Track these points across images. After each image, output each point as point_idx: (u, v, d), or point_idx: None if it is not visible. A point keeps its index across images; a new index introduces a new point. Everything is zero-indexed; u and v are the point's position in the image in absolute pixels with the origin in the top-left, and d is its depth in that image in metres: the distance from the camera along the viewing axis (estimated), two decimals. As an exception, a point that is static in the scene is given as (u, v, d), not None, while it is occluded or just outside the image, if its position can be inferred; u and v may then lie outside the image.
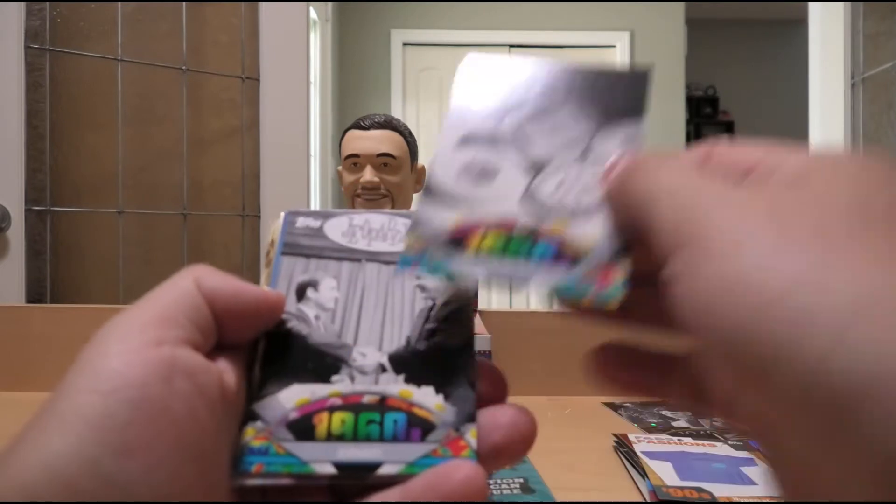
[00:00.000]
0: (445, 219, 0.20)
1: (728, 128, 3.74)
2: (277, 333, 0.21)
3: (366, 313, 0.22)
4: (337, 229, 0.24)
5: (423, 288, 0.22)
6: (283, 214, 0.25)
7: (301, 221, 0.24)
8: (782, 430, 0.13)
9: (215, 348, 0.20)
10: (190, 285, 0.19)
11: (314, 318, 0.22)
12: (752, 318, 0.13)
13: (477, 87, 0.23)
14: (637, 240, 0.19)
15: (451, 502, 0.17)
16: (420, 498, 0.17)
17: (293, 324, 0.21)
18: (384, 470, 0.18)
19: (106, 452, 0.15)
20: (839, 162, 0.16)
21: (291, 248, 0.24)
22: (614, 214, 0.20)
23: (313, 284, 0.23)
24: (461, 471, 0.17)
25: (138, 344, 0.17)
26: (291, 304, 0.22)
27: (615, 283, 0.18)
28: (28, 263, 0.97)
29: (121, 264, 1.04)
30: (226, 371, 0.19)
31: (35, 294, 0.99)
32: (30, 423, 0.16)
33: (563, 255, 0.19)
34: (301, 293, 0.22)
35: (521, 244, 0.19)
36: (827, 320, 0.12)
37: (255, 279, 1.11)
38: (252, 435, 0.19)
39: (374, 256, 0.23)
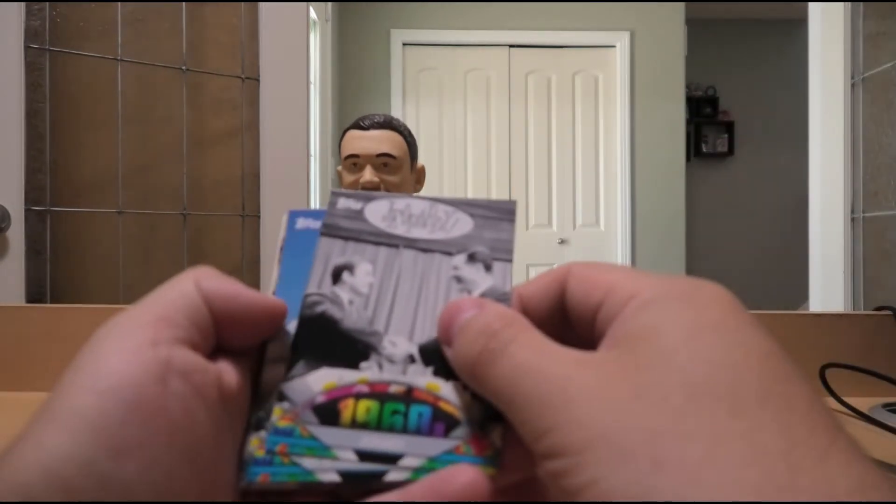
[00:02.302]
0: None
1: (728, 128, 3.73)
2: (311, 316, 0.21)
3: (399, 301, 0.22)
4: (377, 213, 0.24)
5: (459, 279, 0.22)
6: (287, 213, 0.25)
7: (342, 203, 0.24)
8: None
9: (217, 350, 0.19)
10: (189, 286, 0.19)
11: (348, 303, 0.21)
12: None
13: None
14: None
15: None
16: (420, 501, 0.17)
17: (327, 306, 0.21)
18: (405, 462, 0.18)
19: (102, 452, 0.15)
20: (697, 319, 0.16)
21: (331, 230, 0.23)
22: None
23: (349, 268, 0.22)
24: (464, 475, 0.17)
25: (135, 344, 0.17)
26: (327, 287, 0.22)
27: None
28: (28, 263, 0.97)
29: (121, 264, 1.04)
30: (226, 372, 0.19)
31: (35, 294, 0.99)
32: (28, 422, 0.16)
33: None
34: (337, 276, 0.22)
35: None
36: None
37: (255, 279, 1.11)
38: (279, 415, 0.19)
39: (412, 243, 0.23)
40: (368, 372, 0.20)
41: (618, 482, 0.14)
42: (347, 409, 0.19)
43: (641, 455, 0.14)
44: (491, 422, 0.18)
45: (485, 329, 0.18)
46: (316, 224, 0.24)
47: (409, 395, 0.19)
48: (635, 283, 0.18)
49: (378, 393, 0.19)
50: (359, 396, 0.19)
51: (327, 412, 0.19)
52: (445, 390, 0.19)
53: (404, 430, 0.18)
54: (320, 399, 0.19)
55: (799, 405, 0.14)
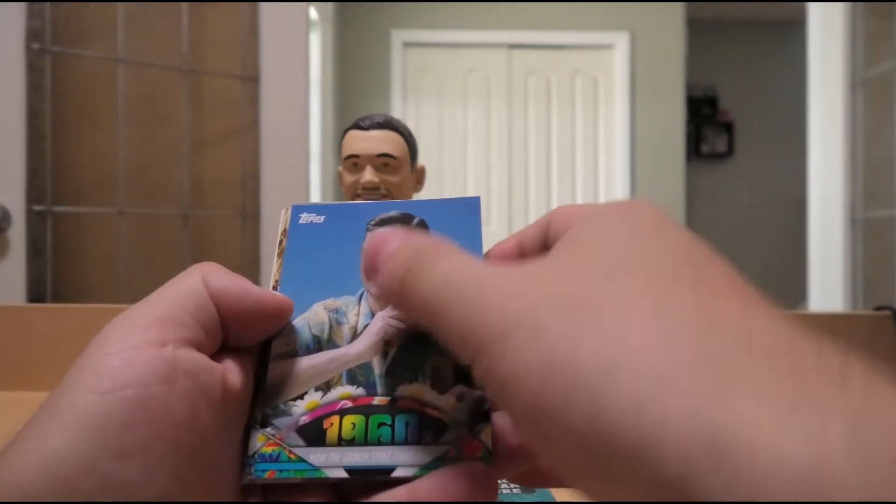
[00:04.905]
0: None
1: (728, 128, 3.73)
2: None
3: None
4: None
5: None
6: (290, 206, 0.25)
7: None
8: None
9: (221, 348, 0.19)
10: (197, 283, 0.19)
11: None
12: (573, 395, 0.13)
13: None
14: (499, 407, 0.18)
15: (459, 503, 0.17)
16: (426, 499, 0.17)
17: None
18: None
19: (104, 452, 0.15)
20: (607, 218, 0.17)
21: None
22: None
23: None
24: (471, 472, 0.17)
25: (140, 343, 0.17)
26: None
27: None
28: (29, 263, 0.97)
29: (121, 264, 1.04)
30: (230, 371, 0.19)
31: (36, 294, 0.99)
32: (29, 422, 0.16)
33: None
34: None
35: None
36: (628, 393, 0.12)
37: (256, 279, 1.11)
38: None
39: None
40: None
41: (536, 356, 0.13)
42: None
43: (556, 324, 0.13)
44: (479, 422, 0.18)
45: (412, 253, 0.17)
46: (319, 219, 0.24)
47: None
48: (588, 209, 0.18)
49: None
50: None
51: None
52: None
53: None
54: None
55: (718, 277, 0.14)
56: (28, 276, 0.96)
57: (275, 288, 0.22)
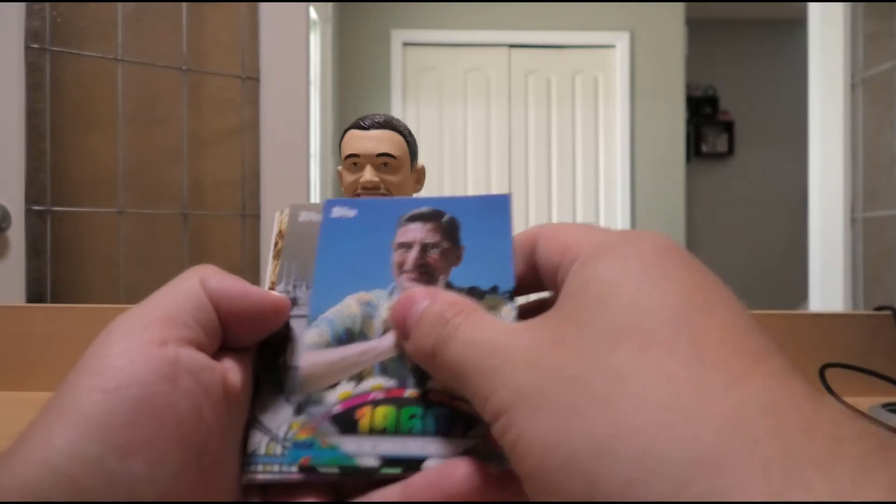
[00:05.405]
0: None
1: (728, 128, 3.73)
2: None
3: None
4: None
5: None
6: (289, 206, 0.25)
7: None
8: None
9: (221, 348, 0.20)
10: (195, 285, 0.19)
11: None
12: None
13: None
14: None
15: (453, 501, 0.17)
16: (421, 496, 0.17)
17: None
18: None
19: (108, 450, 0.15)
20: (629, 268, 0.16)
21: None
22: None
23: None
24: (462, 468, 0.17)
25: (141, 342, 0.17)
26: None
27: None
28: (28, 263, 0.97)
29: (121, 264, 1.04)
30: (230, 370, 0.19)
31: (35, 294, 0.99)
32: (33, 421, 0.16)
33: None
34: None
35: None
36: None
37: (255, 279, 1.11)
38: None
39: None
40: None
41: (537, 432, 0.14)
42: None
43: (555, 403, 0.14)
44: None
45: (439, 319, 0.18)
46: (351, 213, 0.24)
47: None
48: (585, 240, 0.18)
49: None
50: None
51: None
52: None
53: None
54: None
55: (713, 334, 0.14)
56: (27, 276, 0.96)
57: (271, 288, 0.23)
